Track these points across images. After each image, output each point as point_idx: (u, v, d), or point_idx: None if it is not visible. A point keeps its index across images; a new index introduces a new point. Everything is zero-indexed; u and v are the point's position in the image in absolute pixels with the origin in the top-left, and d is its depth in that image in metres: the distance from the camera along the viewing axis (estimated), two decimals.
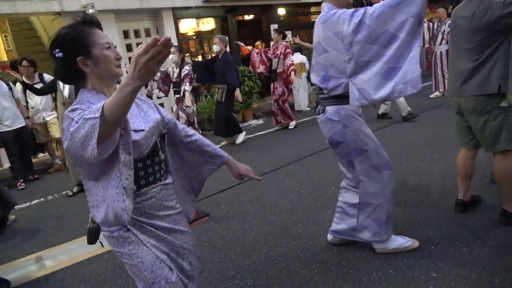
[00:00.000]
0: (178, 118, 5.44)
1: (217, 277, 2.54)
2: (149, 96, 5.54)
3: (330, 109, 2.31)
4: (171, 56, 5.26)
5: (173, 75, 5.61)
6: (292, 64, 6.53)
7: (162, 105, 7.83)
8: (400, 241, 2.52)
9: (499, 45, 2.42)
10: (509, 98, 2.53)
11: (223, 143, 6.27)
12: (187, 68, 5.39)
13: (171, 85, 5.71)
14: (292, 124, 6.93)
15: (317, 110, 2.45)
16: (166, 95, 5.82)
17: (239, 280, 2.49)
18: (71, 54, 1.39)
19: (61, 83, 4.51)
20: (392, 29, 1.96)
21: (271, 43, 7.68)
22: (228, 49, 6.48)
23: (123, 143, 1.24)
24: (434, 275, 2.25)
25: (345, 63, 2.13)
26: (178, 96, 5.53)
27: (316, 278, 2.38)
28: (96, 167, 1.28)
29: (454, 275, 2.22)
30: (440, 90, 7.63)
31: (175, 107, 5.64)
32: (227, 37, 6.46)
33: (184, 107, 5.44)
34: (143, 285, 1.49)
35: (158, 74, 5.41)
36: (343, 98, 2.26)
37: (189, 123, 5.47)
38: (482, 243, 2.49)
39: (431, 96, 7.75)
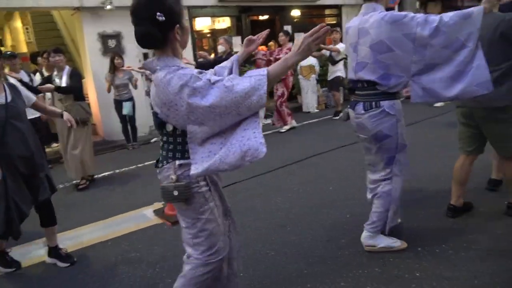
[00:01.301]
0: None
1: None
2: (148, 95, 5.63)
3: (387, 103, 2.41)
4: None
5: None
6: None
7: None
8: (388, 241, 2.64)
9: None
10: None
11: None
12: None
13: None
14: (285, 128, 6.81)
15: (363, 106, 2.46)
16: None
17: None
18: (171, 19, 1.55)
19: (56, 79, 4.56)
20: (462, 38, 2.16)
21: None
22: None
23: None
24: (418, 274, 2.35)
25: (411, 63, 2.27)
26: None
27: (305, 272, 2.50)
28: (230, 118, 1.51)
29: (437, 276, 2.32)
30: None
31: None
32: (233, 38, 6.46)
33: None
34: (212, 242, 1.74)
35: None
36: (395, 95, 2.44)
37: None
38: (467, 247, 2.58)
39: (436, 105, 7.72)
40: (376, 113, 2.42)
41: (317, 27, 1.45)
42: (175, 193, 1.65)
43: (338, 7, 10.63)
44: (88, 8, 6.86)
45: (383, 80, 2.37)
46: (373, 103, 2.43)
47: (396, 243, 2.64)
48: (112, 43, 7.21)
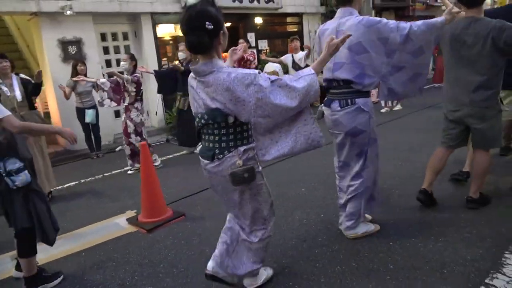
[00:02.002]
0: (126, 127, 5.21)
1: (193, 271, 2.68)
2: (101, 106, 5.41)
3: (361, 100, 2.59)
4: (122, 63, 5.21)
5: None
6: None
7: (118, 113, 7.81)
8: (366, 227, 2.91)
9: (502, 61, 2.80)
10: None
11: (184, 152, 6.23)
12: (137, 75, 5.19)
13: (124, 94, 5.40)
14: None
15: (338, 103, 2.62)
16: (118, 104, 5.43)
17: None
18: (216, 28, 1.80)
19: (2, 87, 4.17)
20: (423, 45, 2.45)
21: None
22: None
23: None
24: (392, 267, 2.49)
25: (382, 65, 2.51)
26: (126, 104, 5.26)
27: (286, 271, 2.57)
28: (292, 112, 1.94)
29: (408, 267, 2.47)
30: (389, 105, 8.04)
31: (123, 116, 5.36)
32: None
33: (131, 116, 5.20)
34: (268, 209, 2.17)
35: (108, 84, 5.23)
36: (367, 93, 2.63)
37: (137, 133, 5.22)
38: (435, 239, 2.76)
39: (395, 108, 8.15)
40: (351, 110, 2.59)
41: (345, 36, 2.02)
42: (246, 175, 1.93)
43: (299, 15, 10.94)
44: (46, 14, 6.62)
45: (359, 79, 2.54)
46: (349, 100, 2.59)
47: (371, 227, 2.93)
48: (72, 49, 7.00)
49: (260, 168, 2.08)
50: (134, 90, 5.14)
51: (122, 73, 5.19)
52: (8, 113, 2.33)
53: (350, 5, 2.60)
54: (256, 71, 1.88)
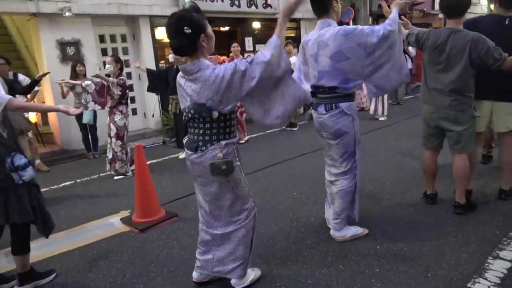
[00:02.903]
0: (109, 130, 5.12)
1: (184, 271, 2.74)
2: (86, 109, 5.28)
3: (345, 104, 2.77)
4: (107, 66, 5.14)
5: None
6: None
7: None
8: (354, 230, 3.01)
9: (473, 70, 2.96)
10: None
11: (180, 154, 6.16)
12: (124, 78, 5.14)
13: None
14: (244, 139, 6.83)
15: (324, 107, 2.80)
16: (103, 108, 5.26)
17: None
18: (196, 31, 1.98)
19: None
20: (395, 38, 2.66)
21: (244, 55, 7.97)
22: None
23: None
24: (377, 270, 2.56)
25: (363, 67, 2.69)
26: (109, 107, 5.17)
27: (274, 272, 2.63)
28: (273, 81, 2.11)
29: (394, 270, 2.54)
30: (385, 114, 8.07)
31: (108, 118, 5.24)
32: None
33: (115, 119, 5.09)
34: (245, 202, 2.30)
35: (93, 86, 5.04)
36: (351, 96, 2.82)
37: (118, 137, 5.09)
38: (421, 244, 2.83)
39: (381, 118, 8.13)
40: (335, 113, 2.78)
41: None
42: (224, 167, 2.08)
43: (297, 20, 11.04)
44: (45, 15, 6.67)
45: (343, 84, 2.73)
46: (333, 104, 2.78)
47: (359, 230, 3.02)
48: (70, 50, 7.05)
49: (239, 162, 2.23)
50: (119, 93, 5.05)
51: (108, 76, 5.14)
52: (9, 96, 2.49)
53: (327, 16, 2.78)
54: (235, 61, 2.09)
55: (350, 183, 2.88)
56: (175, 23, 1.98)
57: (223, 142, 2.13)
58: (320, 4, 2.78)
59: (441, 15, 16.27)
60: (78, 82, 5.56)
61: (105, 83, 5.11)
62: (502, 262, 2.54)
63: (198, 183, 2.32)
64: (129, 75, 7.83)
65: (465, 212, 3.19)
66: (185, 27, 1.94)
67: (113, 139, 5.10)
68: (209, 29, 2.07)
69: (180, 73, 2.17)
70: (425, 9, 15.00)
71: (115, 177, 5.19)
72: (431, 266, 2.55)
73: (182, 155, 6.12)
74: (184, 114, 2.17)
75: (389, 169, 4.60)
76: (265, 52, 2.03)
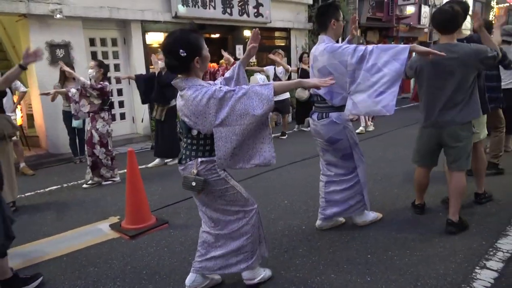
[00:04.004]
0: (90, 136, 4.95)
1: (176, 278, 2.72)
2: (77, 119, 5.21)
3: (334, 114, 3.00)
4: (89, 70, 4.96)
5: None
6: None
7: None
8: (373, 215, 3.41)
9: (474, 80, 3.01)
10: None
11: (155, 162, 6.03)
12: (105, 83, 4.95)
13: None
14: None
15: (317, 116, 3.09)
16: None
17: None
18: (191, 54, 2.02)
19: None
20: (379, 63, 2.65)
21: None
22: None
23: None
24: (369, 279, 2.59)
25: (345, 83, 2.82)
26: (90, 112, 5.00)
27: (267, 280, 2.62)
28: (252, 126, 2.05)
29: (385, 279, 2.57)
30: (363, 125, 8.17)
31: (89, 125, 5.10)
32: None
33: (97, 127, 4.95)
34: (240, 205, 2.32)
35: (77, 95, 4.90)
36: (341, 107, 2.98)
37: (102, 144, 4.96)
38: (410, 253, 2.88)
39: (369, 129, 8.25)
40: (326, 122, 3.04)
41: (330, 79, 2.18)
42: (193, 183, 2.12)
43: (287, 30, 11.17)
44: (36, 16, 6.60)
45: (327, 95, 2.97)
46: (324, 114, 3.04)
47: (377, 215, 3.45)
48: (60, 52, 6.97)
49: (224, 173, 2.23)
50: (99, 100, 4.89)
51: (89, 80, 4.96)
52: None
53: (325, 33, 3.02)
54: (218, 85, 2.09)
55: (358, 178, 3.19)
56: (172, 43, 2.02)
57: (200, 160, 2.16)
58: (320, 22, 3.04)
59: (426, 29, 16.71)
60: (64, 90, 5.23)
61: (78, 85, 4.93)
62: (489, 272, 2.60)
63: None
64: (118, 79, 7.77)
65: (457, 231, 3.14)
66: (181, 50, 1.98)
67: (97, 147, 4.94)
68: (205, 51, 2.11)
69: None
70: (411, 23, 15.36)
71: (103, 182, 5.11)
72: (421, 275, 2.60)
73: (152, 164, 5.98)
74: (178, 126, 2.26)
75: (377, 179, 4.66)
76: (254, 97, 2.01)
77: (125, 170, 3.67)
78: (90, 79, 4.97)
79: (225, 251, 2.39)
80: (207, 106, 2.00)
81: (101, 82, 4.93)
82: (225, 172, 2.26)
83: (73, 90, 4.97)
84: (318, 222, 3.35)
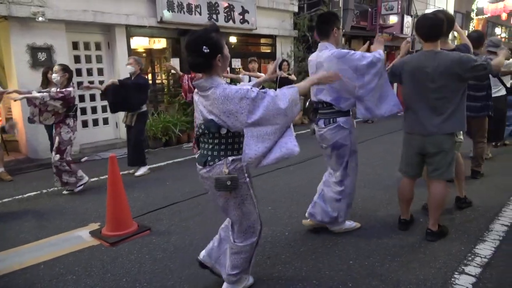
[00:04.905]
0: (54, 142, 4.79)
1: (157, 286, 2.68)
2: (32, 122, 5.01)
3: (341, 119, 3.09)
4: (53, 75, 4.73)
5: None
6: None
7: (85, 122, 7.68)
8: (348, 223, 3.41)
9: (463, 91, 3.00)
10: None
11: (131, 171, 5.83)
12: (68, 90, 4.66)
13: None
14: None
15: (323, 122, 3.15)
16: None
17: None
18: (213, 52, 2.05)
19: None
20: (381, 68, 2.98)
21: None
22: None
23: None
24: (350, 285, 2.60)
25: (354, 88, 2.94)
26: (55, 123, 4.80)
27: (250, 286, 2.62)
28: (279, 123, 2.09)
29: (366, 285, 2.59)
30: None
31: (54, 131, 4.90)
32: (141, 59, 5.89)
33: (60, 132, 4.72)
34: (252, 220, 2.33)
35: (38, 100, 4.57)
36: (348, 112, 3.11)
37: (58, 151, 4.73)
38: (391, 259, 2.91)
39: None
40: (333, 127, 3.10)
41: (335, 74, 2.40)
42: (228, 183, 2.11)
43: (273, 37, 11.24)
44: (17, 18, 6.47)
45: (336, 101, 3.06)
46: (331, 119, 3.11)
47: (353, 224, 3.44)
48: (42, 56, 6.85)
49: (248, 179, 2.25)
50: (60, 107, 4.64)
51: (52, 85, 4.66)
52: None
53: (327, 40, 3.12)
54: (249, 86, 2.13)
55: (344, 190, 3.24)
56: (194, 41, 2.05)
57: (230, 158, 2.16)
58: (322, 30, 3.14)
59: (409, 38, 17.05)
60: (38, 95, 4.70)
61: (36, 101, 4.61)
62: (467, 277, 2.64)
63: (210, 197, 2.40)
64: (101, 83, 7.66)
65: (437, 240, 3.17)
66: (204, 47, 2.02)
67: (53, 152, 4.76)
68: (226, 50, 2.14)
69: (195, 89, 2.24)
70: (394, 32, 15.65)
71: (64, 192, 4.88)
72: (401, 281, 2.62)
73: (138, 172, 5.71)
74: (196, 129, 2.25)
75: (360, 185, 4.68)
76: (286, 95, 2.10)
77: (107, 176, 3.60)
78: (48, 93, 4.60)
79: (225, 261, 2.48)
80: (239, 106, 2.01)
81: (63, 90, 4.64)
82: (249, 178, 2.27)
83: (45, 94, 4.58)
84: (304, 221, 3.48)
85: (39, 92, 4.74)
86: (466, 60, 2.87)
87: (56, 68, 4.81)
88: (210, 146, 2.19)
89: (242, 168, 2.20)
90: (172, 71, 5.99)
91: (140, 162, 5.72)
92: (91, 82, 5.02)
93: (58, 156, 4.74)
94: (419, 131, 3.11)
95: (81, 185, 4.95)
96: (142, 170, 5.72)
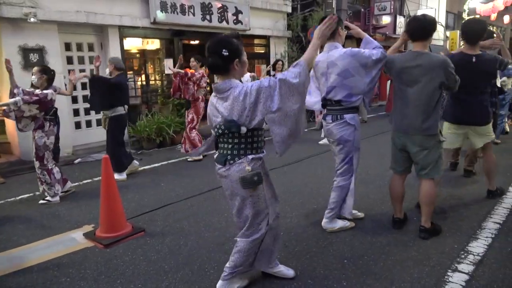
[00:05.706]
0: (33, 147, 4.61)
1: (151, 287, 2.67)
2: (7, 116, 4.67)
3: (348, 116, 3.22)
4: (32, 77, 4.60)
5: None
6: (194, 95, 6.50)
7: (78, 124, 7.66)
8: (342, 223, 3.45)
9: (440, 96, 3.08)
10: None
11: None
12: (44, 93, 4.48)
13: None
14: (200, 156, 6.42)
15: (331, 117, 3.29)
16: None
17: None
18: (232, 55, 2.17)
19: None
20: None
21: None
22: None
23: None
24: (345, 283, 2.61)
25: (364, 84, 3.12)
26: (34, 129, 4.59)
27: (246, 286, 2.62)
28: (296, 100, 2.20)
29: (361, 284, 2.60)
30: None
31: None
32: (120, 58, 5.87)
33: (35, 137, 4.55)
34: (261, 218, 2.39)
35: (12, 106, 4.37)
36: (356, 109, 3.26)
37: (37, 157, 4.56)
38: (385, 258, 2.93)
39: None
40: (340, 123, 3.25)
41: (328, 18, 2.32)
42: (255, 178, 2.20)
43: (266, 38, 11.26)
44: (8, 19, 6.42)
45: (348, 98, 3.20)
46: (339, 115, 3.25)
47: (347, 223, 3.46)
48: (34, 57, 6.80)
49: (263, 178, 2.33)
50: (37, 111, 4.44)
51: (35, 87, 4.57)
52: None
53: (334, 40, 3.23)
54: (263, 78, 2.28)
55: (345, 182, 3.35)
56: (215, 43, 2.18)
57: (250, 157, 2.25)
58: None
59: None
60: (11, 101, 4.50)
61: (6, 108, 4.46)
62: (461, 275, 2.67)
63: (226, 197, 2.46)
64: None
65: (430, 237, 3.21)
66: (224, 50, 2.13)
67: (34, 159, 4.60)
68: (244, 57, 2.26)
69: (213, 93, 2.32)
70: (387, 32, 15.76)
71: (40, 201, 4.64)
72: (395, 279, 2.64)
73: (121, 176, 5.50)
74: (215, 130, 2.30)
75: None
76: (294, 72, 2.18)
77: (100, 178, 3.59)
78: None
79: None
80: (257, 97, 2.13)
81: (39, 93, 4.46)
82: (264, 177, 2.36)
83: (17, 99, 4.36)
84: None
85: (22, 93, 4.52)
86: (449, 62, 2.98)
87: (34, 69, 4.66)
88: (230, 146, 2.26)
89: (260, 167, 2.30)
90: (168, 71, 5.87)
91: (115, 168, 5.19)
92: (84, 84, 5.01)
93: (38, 163, 4.58)
94: (402, 129, 3.21)
95: (57, 195, 4.65)
96: (116, 176, 5.12)
